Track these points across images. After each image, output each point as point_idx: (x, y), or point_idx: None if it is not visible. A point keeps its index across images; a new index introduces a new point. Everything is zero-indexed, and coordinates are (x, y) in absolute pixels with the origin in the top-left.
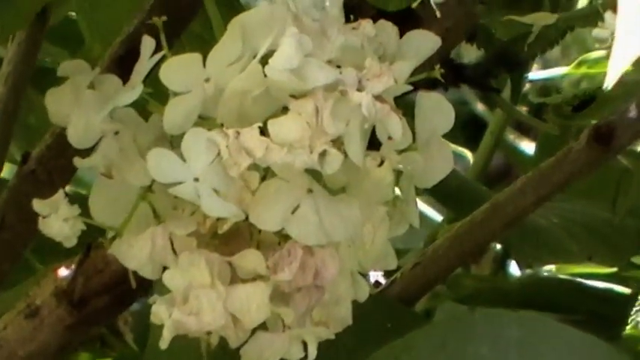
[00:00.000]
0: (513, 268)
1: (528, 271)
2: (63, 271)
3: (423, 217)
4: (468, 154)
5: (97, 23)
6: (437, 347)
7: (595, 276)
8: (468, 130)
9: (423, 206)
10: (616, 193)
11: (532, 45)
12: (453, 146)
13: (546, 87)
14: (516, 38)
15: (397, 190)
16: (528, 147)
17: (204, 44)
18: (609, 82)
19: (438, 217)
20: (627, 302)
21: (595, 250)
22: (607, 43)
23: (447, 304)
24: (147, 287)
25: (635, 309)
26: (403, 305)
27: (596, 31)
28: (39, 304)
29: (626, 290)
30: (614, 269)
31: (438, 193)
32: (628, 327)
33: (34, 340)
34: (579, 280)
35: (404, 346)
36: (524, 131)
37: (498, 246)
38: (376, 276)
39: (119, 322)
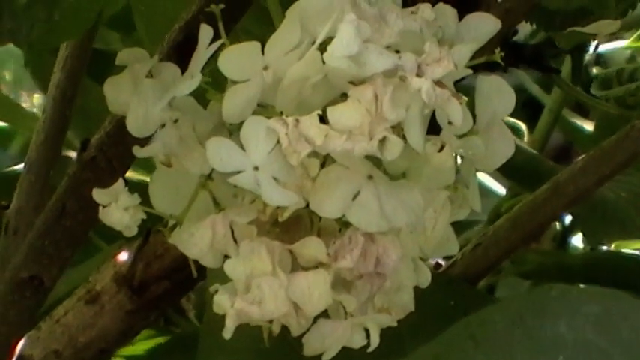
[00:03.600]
0: (574, 245)
1: (592, 246)
2: (123, 256)
3: (487, 190)
4: (522, 126)
5: (153, 27)
6: (513, 322)
7: None
8: (527, 110)
9: (487, 179)
10: None
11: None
12: (508, 118)
13: (601, 63)
14: (576, 16)
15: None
16: (586, 125)
17: (262, 25)
18: None
19: (502, 191)
20: None
21: None
22: None
23: (510, 279)
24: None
25: None
26: (466, 283)
27: None
28: (99, 289)
29: None
30: None
31: (503, 168)
32: None
33: (95, 326)
34: None
35: (479, 321)
36: (582, 109)
37: (557, 224)
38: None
39: (182, 300)
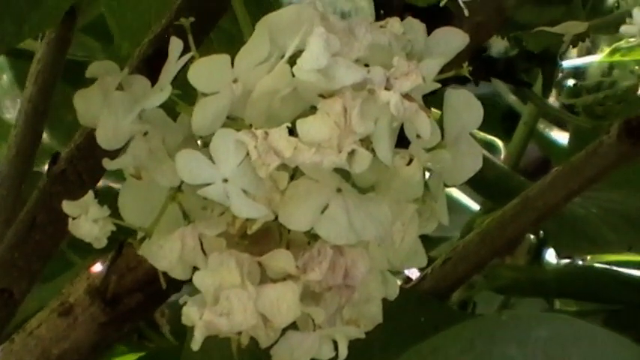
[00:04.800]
0: (548, 258)
1: (563, 260)
2: (97, 268)
3: (459, 206)
4: (499, 143)
5: (124, 22)
6: (464, 349)
7: (630, 264)
8: (507, 123)
9: (461, 195)
10: None
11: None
12: (484, 135)
13: (578, 76)
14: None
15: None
16: (562, 137)
17: (233, 40)
18: None
19: (475, 206)
20: None
21: (635, 239)
22: (636, 38)
23: (484, 293)
24: (180, 284)
25: None
26: (435, 299)
27: (625, 28)
28: (72, 302)
29: None
30: None
31: (475, 183)
32: None
33: (68, 338)
34: (616, 269)
35: (432, 348)
36: (560, 121)
37: (532, 237)
38: (408, 271)
39: (156, 315)
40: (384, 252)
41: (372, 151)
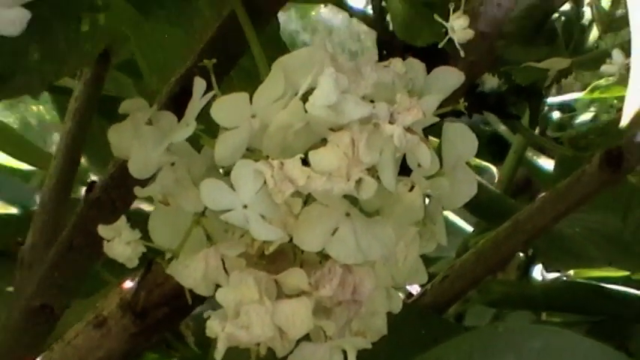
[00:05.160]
0: (536, 274)
1: (550, 276)
2: (128, 284)
3: (455, 227)
4: (492, 168)
5: (153, 61)
6: (465, 359)
7: (610, 279)
8: (492, 147)
9: (455, 218)
10: (625, 206)
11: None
12: (480, 161)
13: (564, 110)
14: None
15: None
16: (548, 163)
17: (251, 78)
18: (624, 122)
19: (469, 228)
20: (638, 303)
21: (615, 256)
22: (615, 77)
23: (477, 307)
24: (203, 298)
25: None
26: (435, 313)
27: (605, 67)
28: (106, 315)
29: (638, 292)
30: (628, 273)
31: (470, 206)
32: None
33: (102, 348)
34: (598, 284)
35: (434, 358)
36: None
37: (522, 254)
38: (410, 287)
39: (181, 327)
40: (388, 270)
41: (378, 179)
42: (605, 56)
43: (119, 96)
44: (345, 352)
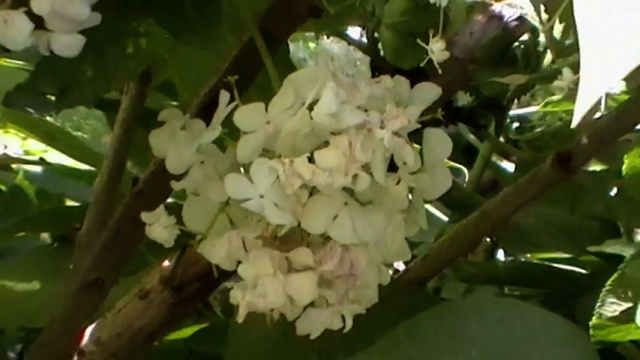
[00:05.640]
0: (499, 256)
1: (510, 257)
2: (166, 264)
3: (433, 218)
4: (464, 170)
5: (185, 79)
6: (438, 325)
7: (558, 260)
8: (465, 153)
9: (434, 210)
10: (572, 200)
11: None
12: (454, 164)
13: (522, 121)
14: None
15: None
16: (510, 166)
17: (266, 91)
18: (574, 123)
19: (445, 218)
20: (583, 279)
21: (562, 242)
22: (565, 90)
23: (451, 282)
24: (228, 274)
25: (597, 304)
26: (417, 287)
27: (557, 83)
28: (149, 288)
29: (582, 271)
30: (572, 255)
31: (446, 200)
32: (594, 318)
33: (146, 316)
34: (549, 264)
35: (415, 324)
36: (507, 154)
37: (488, 240)
38: (397, 265)
39: (210, 299)
40: (379, 250)
41: (371, 174)
42: (557, 74)
43: (157, 109)
44: (343, 317)
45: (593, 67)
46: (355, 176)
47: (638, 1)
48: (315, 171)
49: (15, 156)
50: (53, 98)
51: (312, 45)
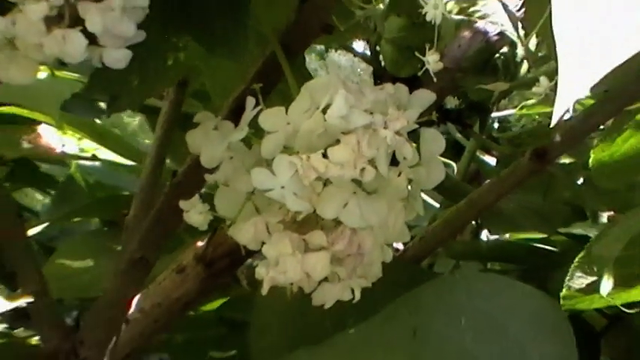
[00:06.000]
0: (483, 236)
1: (493, 237)
2: (200, 243)
3: (428, 204)
4: (453, 164)
5: (217, 85)
6: (432, 296)
7: (534, 240)
8: (453, 149)
9: (428, 198)
10: (546, 188)
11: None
12: (444, 159)
13: (502, 121)
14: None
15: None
16: (492, 160)
17: (286, 96)
18: (553, 123)
19: (437, 205)
20: (555, 256)
21: (537, 224)
22: (541, 96)
23: (443, 259)
24: (253, 253)
25: (567, 277)
26: (414, 264)
27: (535, 89)
28: (185, 264)
29: (554, 249)
30: (546, 235)
31: (438, 189)
32: (564, 289)
33: (182, 288)
34: (526, 242)
35: (412, 296)
36: (489, 150)
37: (474, 223)
38: (397, 245)
39: (238, 273)
40: (382, 232)
41: (375, 168)
42: (533, 81)
43: (192, 112)
44: (352, 290)
45: (570, 75)
46: (362, 169)
47: (609, 9)
48: (329, 165)
49: (71, 153)
50: (103, 104)
51: (313, 55)
